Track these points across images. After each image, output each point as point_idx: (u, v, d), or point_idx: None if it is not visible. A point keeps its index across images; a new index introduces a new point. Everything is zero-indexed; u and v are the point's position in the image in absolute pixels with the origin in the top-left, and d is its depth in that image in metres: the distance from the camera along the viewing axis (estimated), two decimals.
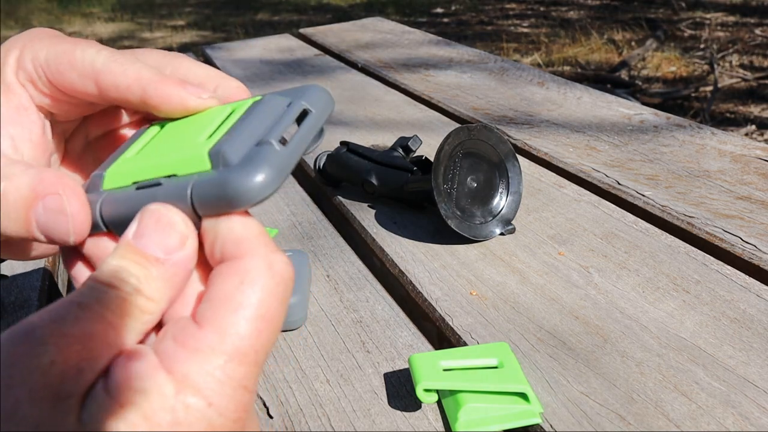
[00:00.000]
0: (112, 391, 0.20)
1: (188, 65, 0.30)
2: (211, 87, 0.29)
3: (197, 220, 0.23)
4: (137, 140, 0.27)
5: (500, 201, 0.63)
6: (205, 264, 0.24)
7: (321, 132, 0.27)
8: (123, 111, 0.32)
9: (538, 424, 0.41)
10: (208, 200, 0.22)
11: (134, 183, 0.25)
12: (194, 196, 0.22)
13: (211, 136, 0.25)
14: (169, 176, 0.24)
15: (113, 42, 4.50)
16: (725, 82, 2.82)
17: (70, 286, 0.66)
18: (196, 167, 0.23)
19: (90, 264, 0.26)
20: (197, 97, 0.27)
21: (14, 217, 0.24)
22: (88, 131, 0.32)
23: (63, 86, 0.27)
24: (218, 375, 0.21)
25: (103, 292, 0.21)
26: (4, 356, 0.19)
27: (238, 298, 0.22)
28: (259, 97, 0.27)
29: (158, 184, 0.24)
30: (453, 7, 4.94)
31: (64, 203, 0.24)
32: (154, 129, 0.28)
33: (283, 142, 0.23)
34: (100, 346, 0.20)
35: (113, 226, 0.24)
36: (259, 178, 0.22)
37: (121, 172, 0.26)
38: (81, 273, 0.26)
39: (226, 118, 0.26)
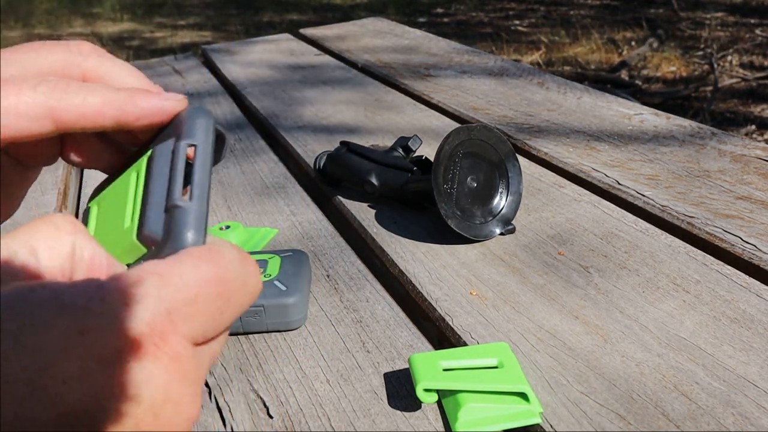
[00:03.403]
0: (114, 281, 0.20)
1: (108, 67, 0.28)
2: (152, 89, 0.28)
3: None
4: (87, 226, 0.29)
5: (500, 201, 0.63)
6: None
7: (222, 142, 0.28)
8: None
9: (538, 424, 0.41)
10: None
11: None
12: None
13: (132, 216, 0.26)
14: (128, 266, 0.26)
15: (116, 42, 4.50)
16: (725, 82, 2.82)
17: None
18: (137, 254, 0.25)
19: None
20: (175, 100, 0.26)
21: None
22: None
23: (12, 138, 0.25)
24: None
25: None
26: None
27: (205, 256, 0.22)
28: (149, 152, 0.27)
29: None
30: (453, 7, 4.94)
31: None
32: (94, 209, 0.29)
33: (186, 192, 0.25)
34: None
35: None
36: (188, 242, 0.23)
37: None
38: None
39: (136, 188, 0.27)
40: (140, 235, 0.25)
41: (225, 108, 1.09)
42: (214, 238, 0.24)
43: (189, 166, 0.25)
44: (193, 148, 0.26)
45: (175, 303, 0.20)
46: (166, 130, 0.27)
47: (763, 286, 0.53)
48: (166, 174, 0.25)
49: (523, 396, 0.41)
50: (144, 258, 0.25)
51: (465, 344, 0.49)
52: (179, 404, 0.20)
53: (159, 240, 0.24)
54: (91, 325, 0.19)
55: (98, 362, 0.19)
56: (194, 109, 0.27)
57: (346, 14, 4.87)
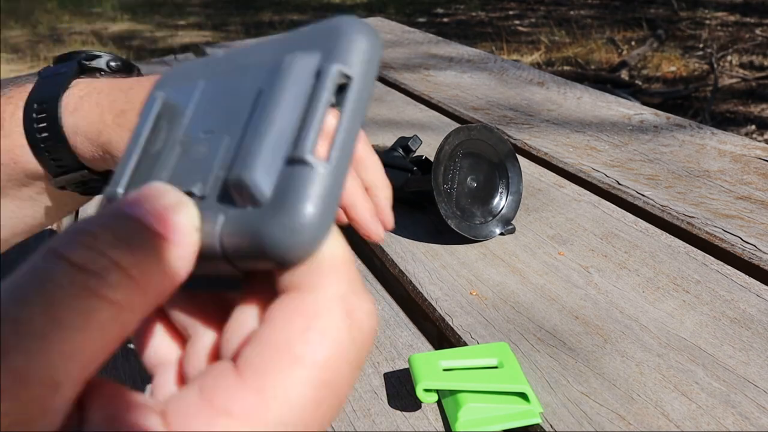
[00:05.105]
0: None
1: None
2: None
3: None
4: None
5: (500, 201, 0.63)
6: (263, 298, 0.18)
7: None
8: None
9: (538, 424, 0.41)
10: (240, 253, 0.16)
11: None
12: (225, 244, 0.17)
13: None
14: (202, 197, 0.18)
15: (116, 42, 4.50)
16: (725, 82, 2.82)
17: None
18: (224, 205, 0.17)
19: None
20: (379, 234, 0.34)
21: None
22: None
23: None
24: None
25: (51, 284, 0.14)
26: None
27: (298, 350, 0.16)
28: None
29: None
30: (453, 7, 4.94)
31: None
32: None
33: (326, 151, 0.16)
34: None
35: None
36: (306, 221, 0.15)
37: None
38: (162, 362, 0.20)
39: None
40: (233, 178, 0.17)
41: None
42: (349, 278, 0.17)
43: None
44: (345, 81, 0.17)
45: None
46: (304, 32, 0.19)
47: (763, 286, 0.53)
48: (296, 105, 0.17)
49: (523, 396, 0.41)
50: (229, 213, 0.17)
51: (465, 344, 0.49)
52: None
53: (263, 202, 0.16)
54: None
55: None
56: (354, 26, 0.18)
57: (345, 14, 4.87)
